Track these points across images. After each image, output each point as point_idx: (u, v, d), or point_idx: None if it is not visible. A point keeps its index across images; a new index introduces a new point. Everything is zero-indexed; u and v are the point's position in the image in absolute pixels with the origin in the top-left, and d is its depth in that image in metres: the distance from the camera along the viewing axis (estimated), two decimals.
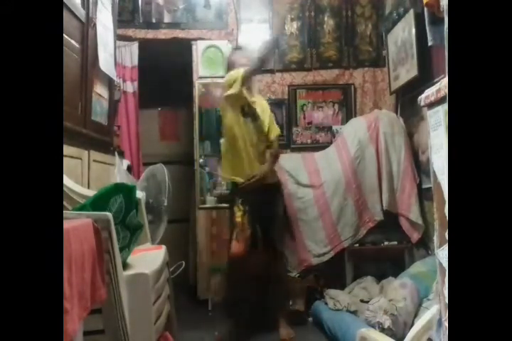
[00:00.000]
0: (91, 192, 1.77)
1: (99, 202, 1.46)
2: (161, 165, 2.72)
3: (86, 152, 2.24)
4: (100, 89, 2.55)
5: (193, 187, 3.77)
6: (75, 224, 1.07)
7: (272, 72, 3.81)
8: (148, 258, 1.92)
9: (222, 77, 3.63)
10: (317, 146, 3.71)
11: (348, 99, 3.83)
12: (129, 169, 3.11)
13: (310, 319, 3.06)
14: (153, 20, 3.74)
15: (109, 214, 1.32)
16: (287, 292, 2.97)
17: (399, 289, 2.48)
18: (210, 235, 3.64)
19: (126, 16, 3.66)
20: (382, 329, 2.23)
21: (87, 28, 2.30)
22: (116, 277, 1.28)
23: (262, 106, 2.90)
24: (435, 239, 1.24)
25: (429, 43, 1.86)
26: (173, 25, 3.75)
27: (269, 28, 3.81)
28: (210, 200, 3.64)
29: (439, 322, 1.23)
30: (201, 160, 3.71)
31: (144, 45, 3.68)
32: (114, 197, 1.52)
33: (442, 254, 1.16)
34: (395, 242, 3.25)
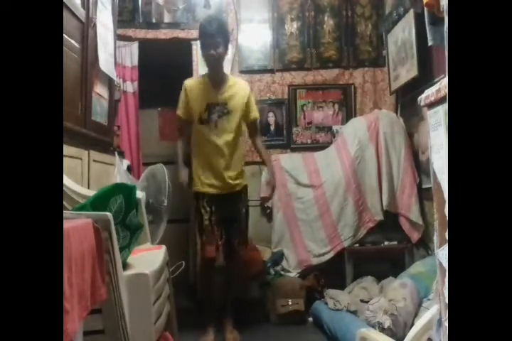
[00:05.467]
0: (91, 192, 1.76)
1: (99, 202, 1.46)
2: (161, 165, 2.71)
3: (86, 152, 2.24)
4: (100, 89, 2.55)
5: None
6: (75, 224, 1.07)
7: (272, 72, 3.81)
8: (148, 258, 1.92)
9: None
10: (317, 146, 3.72)
11: (348, 99, 3.83)
12: (129, 169, 3.11)
13: (310, 319, 3.06)
14: (153, 20, 3.74)
15: (109, 214, 1.31)
16: (232, 297, 2.83)
17: (399, 289, 2.48)
18: None
19: (126, 16, 3.66)
20: (382, 329, 2.23)
21: (87, 28, 2.30)
22: (116, 277, 1.28)
23: (234, 94, 2.76)
24: (435, 239, 1.24)
25: (429, 43, 1.86)
26: (173, 25, 3.76)
27: (269, 28, 3.81)
28: None
29: (439, 322, 1.22)
30: None
31: (144, 45, 3.67)
32: (114, 197, 1.52)
33: (442, 254, 1.16)
34: (395, 242, 3.25)
